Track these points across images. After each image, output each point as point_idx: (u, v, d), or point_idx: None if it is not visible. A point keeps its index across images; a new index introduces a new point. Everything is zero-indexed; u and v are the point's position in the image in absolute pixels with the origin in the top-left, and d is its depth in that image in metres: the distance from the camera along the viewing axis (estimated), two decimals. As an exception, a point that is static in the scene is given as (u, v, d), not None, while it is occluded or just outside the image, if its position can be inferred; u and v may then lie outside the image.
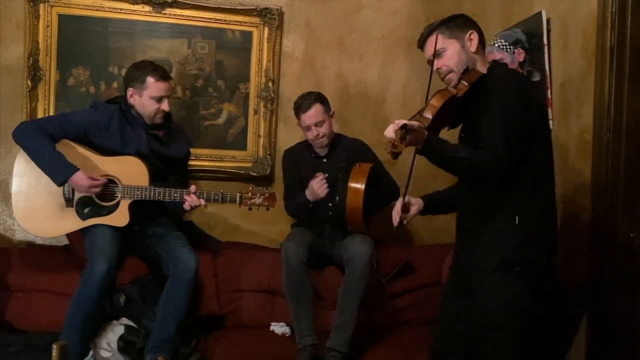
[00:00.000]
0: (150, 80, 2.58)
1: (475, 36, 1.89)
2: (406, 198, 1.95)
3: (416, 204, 2.04)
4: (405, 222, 2.00)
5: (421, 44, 1.97)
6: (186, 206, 2.52)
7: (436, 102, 1.75)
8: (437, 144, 1.72)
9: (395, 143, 1.60)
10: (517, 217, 1.77)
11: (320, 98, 2.83)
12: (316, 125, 2.80)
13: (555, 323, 2.21)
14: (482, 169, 1.73)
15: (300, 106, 2.81)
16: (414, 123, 1.64)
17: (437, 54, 1.88)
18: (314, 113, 2.78)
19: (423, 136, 1.67)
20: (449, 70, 1.89)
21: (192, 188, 2.54)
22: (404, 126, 1.61)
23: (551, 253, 1.89)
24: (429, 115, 1.74)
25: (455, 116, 1.88)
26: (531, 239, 1.79)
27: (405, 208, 1.99)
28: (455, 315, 1.95)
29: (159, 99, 2.61)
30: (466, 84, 1.80)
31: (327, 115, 2.83)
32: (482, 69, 1.89)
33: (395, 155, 1.66)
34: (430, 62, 1.92)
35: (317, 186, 2.71)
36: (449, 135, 1.97)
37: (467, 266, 1.91)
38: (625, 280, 2.09)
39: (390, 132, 1.64)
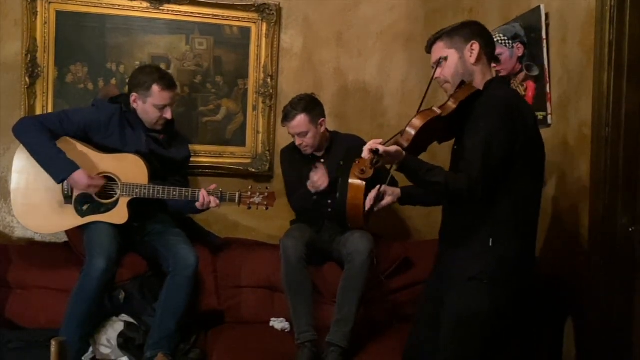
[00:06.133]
0: (155, 88, 2.57)
1: (476, 47, 1.86)
2: (382, 187, 1.98)
3: (392, 195, 2.07)
4: (375, 209, 2.02)
5: (428, 50, 1.98)
6: (199, 204, 2.52)
7: (417, 123, 1.76)
8: (412, 167, 1.75)
9: (364, 169, 1.62)
10: (491, 240, 1.79)
11: (308, 108, 2.76)
12: (299, 135, 2.79)
13: (544, 324, 2.24)
14: (456, 194, 1.74)
15: (286, 115, 2.79)
16: (391, 149, 1.68)
17: (438, 63, 1.90)
18: (296, 124, 2.76)
19: (400, 157, 1.70)
20: (445, 81, 1.91)
21: (212, 187, 2.54)
22: (376, 151, 1.64)
23: (527, 272, 1.88)
24: (409, 135, 1.75)
25: (445, 132, 1.89)
26: (504, 260, 1.79)
27: (380, 196, 2.02)
28: (426, 321, 1.99)
29: (163, 107, 2.60)
30: (453, 103, 1.80)
31: (312, 126, 2.77)
32: (480, 83, 1.88)
33: (363, 180, 1.67)
34: (433, 69, 1.93)
35: (317, 178, 2.71)
36: (445, 146, 2.01)
37: (442, 273, 1.94)
38: (624, 274, 2.09)
39: (365, 151, 1.69)
